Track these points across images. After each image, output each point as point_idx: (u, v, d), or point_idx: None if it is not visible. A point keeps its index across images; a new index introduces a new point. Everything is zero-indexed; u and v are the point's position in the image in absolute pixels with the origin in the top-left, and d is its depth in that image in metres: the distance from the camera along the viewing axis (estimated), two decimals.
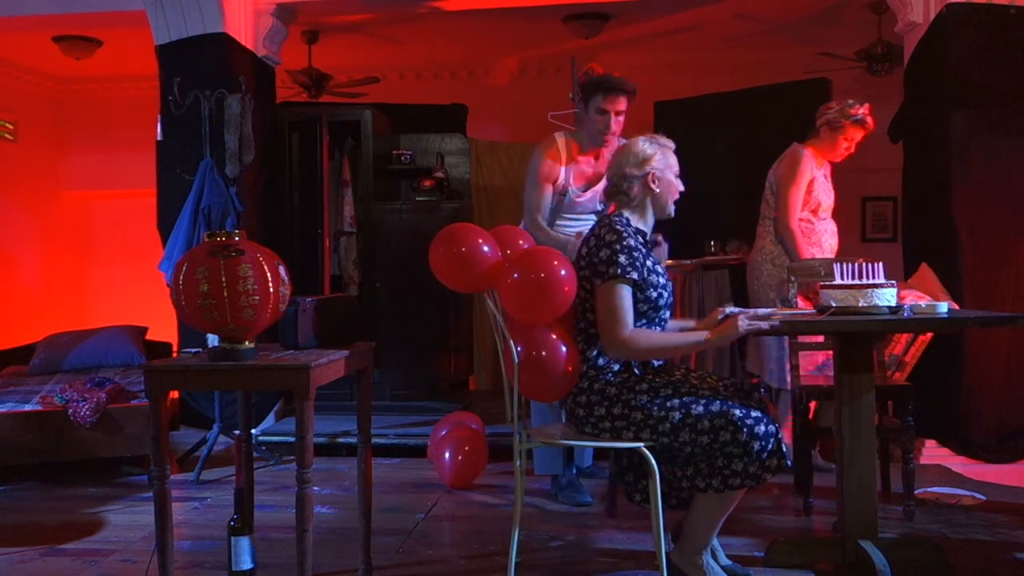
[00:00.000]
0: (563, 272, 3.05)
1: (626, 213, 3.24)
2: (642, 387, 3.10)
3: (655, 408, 3.04)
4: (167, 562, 2.70)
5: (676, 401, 3.03)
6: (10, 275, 8.21)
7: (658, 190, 3.22)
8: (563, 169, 4.14)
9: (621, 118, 4.09)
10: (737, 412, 2.97)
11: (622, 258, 3.07)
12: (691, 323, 3.32)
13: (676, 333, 3.22)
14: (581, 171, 4.18)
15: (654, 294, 3.15)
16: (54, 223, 8.85)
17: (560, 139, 4.21)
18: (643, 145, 3.24)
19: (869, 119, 4.58)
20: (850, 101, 4.62)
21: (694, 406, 3.01)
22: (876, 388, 3.34)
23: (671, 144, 3.28)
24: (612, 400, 3.11)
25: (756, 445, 2.94)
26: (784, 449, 2.98)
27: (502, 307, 3.15)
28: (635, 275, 3.08)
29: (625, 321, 3.05)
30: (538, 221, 4.12)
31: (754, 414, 2.99)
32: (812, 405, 4.24)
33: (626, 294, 3.07)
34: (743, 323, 2.98)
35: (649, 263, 3.17)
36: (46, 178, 8.79)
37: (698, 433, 2.99)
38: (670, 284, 3.25)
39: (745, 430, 2.94)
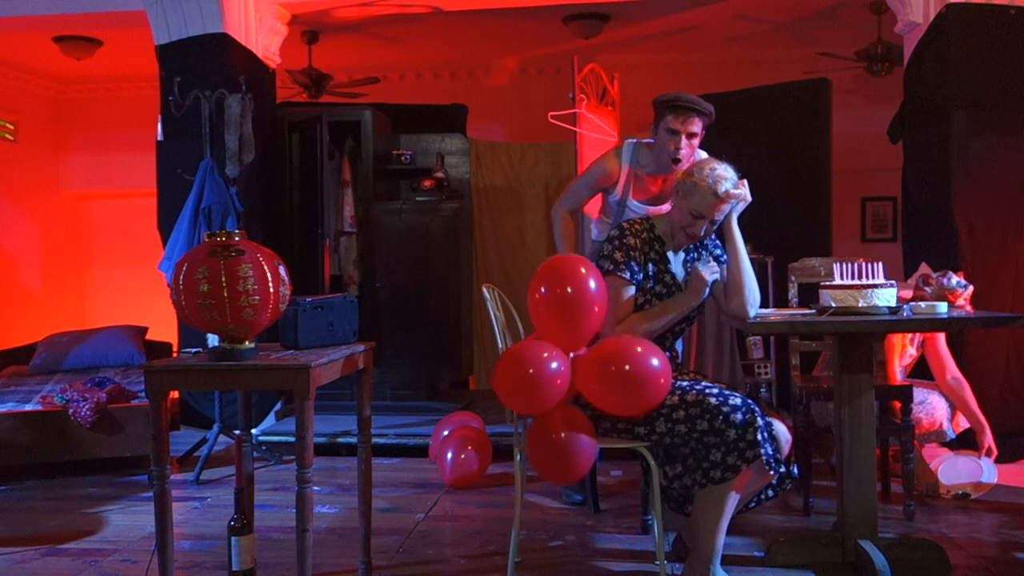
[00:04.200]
0: (655, 362, 2.87)
1: (657, 219, 3.27)
2: None
3: None
4: (167, 562, 2.70)
5: None
6: (10, 275, 8.21)
7: (673, 207, 3.21)
8: (621, 185, 3.96)
9: (695, 141, 3.70)
10: (713, 400, 2.90)
11: (617, 255, 3.14)
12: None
13: (655, 310, 3.15)
14: (643, 187, 3.95)
15: (641, 300, 3.16)
16: (54, 223, 8.85)
17: (626, 156, 3.95)
18: (713, 165, 3.12)
19: (969, 307, 3.97)
20: (954, 281, 4.00)
21: (669, 396, 2.97)
22: (876, 388, 3.34)
23: (728, 193, 3.09)
24: None
25: (732, 433, 2.86)
26: (761, 439, 2.84)
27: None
28: (623, 274, 3.11)
29: (613, 315, 3.08)
30: (564, 215, 4.12)
31: (732, 401, 2.89)
32: None
33: (619, 289, 3.10)
34: (705, 272, 3.06)
35: (653, 269, 3.17)
36: (46, 178, 8.80)
37: (674, 423, 2.95)
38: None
39: (721, 417, 2.87)
